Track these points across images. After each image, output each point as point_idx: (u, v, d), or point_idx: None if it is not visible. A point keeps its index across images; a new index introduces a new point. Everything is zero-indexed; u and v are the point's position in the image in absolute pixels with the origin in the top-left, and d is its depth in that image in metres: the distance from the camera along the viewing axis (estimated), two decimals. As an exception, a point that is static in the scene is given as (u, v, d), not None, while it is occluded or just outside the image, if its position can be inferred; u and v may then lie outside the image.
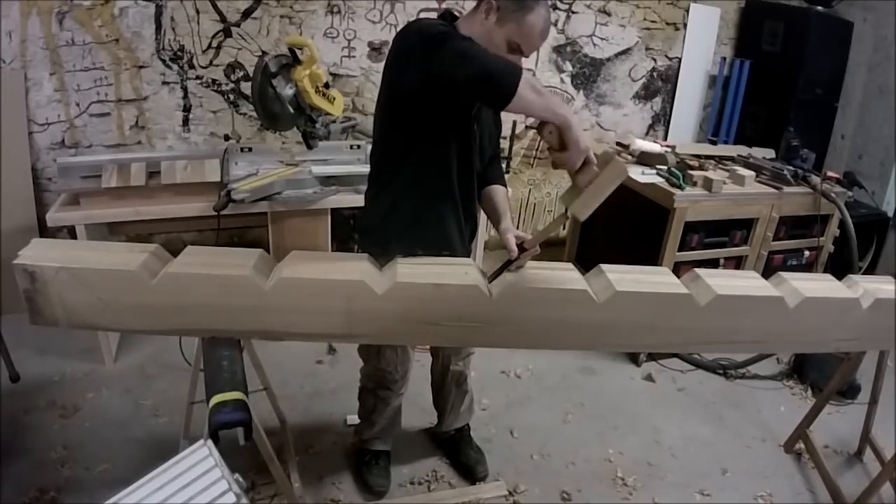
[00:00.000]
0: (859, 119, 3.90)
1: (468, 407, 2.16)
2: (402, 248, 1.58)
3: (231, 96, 3.10)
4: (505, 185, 1.82)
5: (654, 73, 3.88)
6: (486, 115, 1.69)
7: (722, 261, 2.85)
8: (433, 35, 1.38)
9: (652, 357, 2.90)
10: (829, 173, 2.91)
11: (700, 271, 1.57)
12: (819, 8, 3.64)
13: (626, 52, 3.75)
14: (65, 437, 2.15)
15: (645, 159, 2.88)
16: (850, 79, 3.84)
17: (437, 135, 1.55)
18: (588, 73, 3.73)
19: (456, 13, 1.63)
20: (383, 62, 1.60)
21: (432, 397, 2.17)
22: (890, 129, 3.64)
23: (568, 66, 3.67)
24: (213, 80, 3.05)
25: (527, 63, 3.56)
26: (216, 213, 2.36)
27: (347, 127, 2.96)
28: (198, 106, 3.07)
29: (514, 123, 3.58)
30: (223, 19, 2.96)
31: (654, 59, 3.84)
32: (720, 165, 3.01)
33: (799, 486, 2.23)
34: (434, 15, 3.50)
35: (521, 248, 1.46)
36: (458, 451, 2.18)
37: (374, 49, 3.21)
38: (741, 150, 3.29)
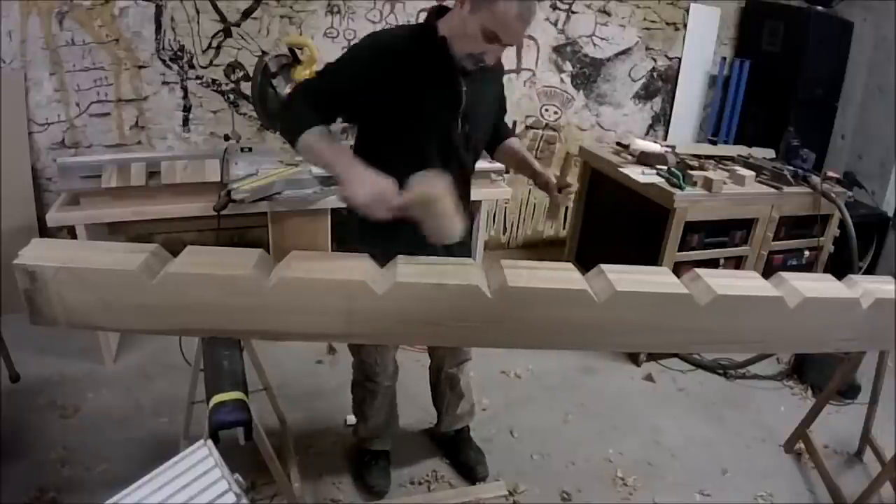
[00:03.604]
0: (859, 119, 3.90)
1: (468, 410, 2.15)
2: (378, 251, 1.52)
3: (231, 96, 3.10)
4: (515, 135, 1.93)
5: (654, 73, 3.88)
6: (481, 106, 1.63)
7: (722, 261, 2.85)
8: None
9: (652, 357, 2.90)
10: (829, 173, 2.91)
11: (700, 271, 1.57)
12: (819, 8, 3.64)
13: (626, 52, 3.75)
14: (65, 437, 2.15)
15: (645, 159, 2.88)
16: (850, 79, 3.83)
17: (411, 139, 1.55)
18: (588, 73, 3.73)
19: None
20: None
21: (431, 397, 2.17)
22: (890, 129, 3.64)
23: (568, 66, 3.67)
24: (213, 80, 3.05)
25: (527, 64, 3.59)
26: (216, 213, 2.36)
27: (347, 127, 2.96)
28: (198, 106, 3.07)
29: (514, 123, 3.58)
30: (223, 19, 2.96)
31: (654, 59, 3.84)
32: (720, 165, 3.00)
33: (799, 486, 2.23)
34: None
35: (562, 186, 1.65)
36: (458, 451, 2.17)
37: (374, 49, 3.21)
38: (741, 150, 3.29)
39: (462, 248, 1.73)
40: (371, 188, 1.34)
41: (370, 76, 1.46)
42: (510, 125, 3.42)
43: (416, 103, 1.51)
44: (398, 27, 1.64)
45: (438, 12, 1.53)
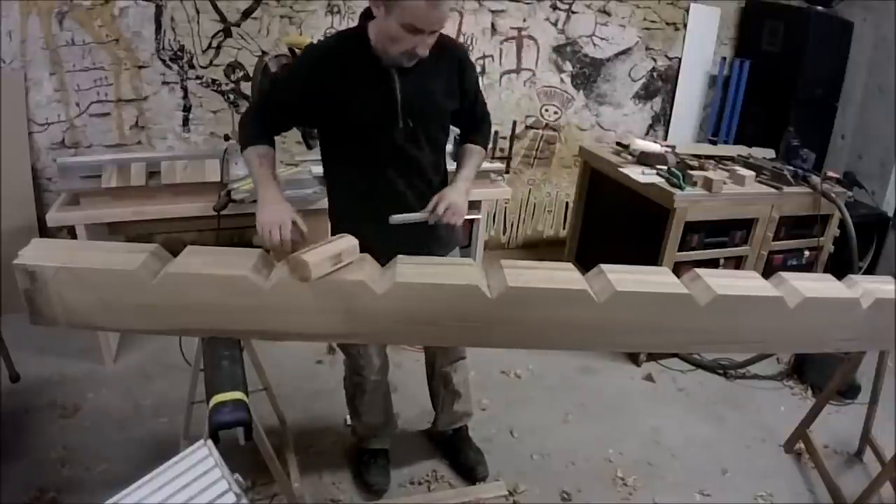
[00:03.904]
0: (859, 119, 3.90)
1: (464, 410, 2.14)
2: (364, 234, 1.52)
3: (231, 96, 3.10)
4: (475, 142, 1.82)
5: (654, 73, 3.88)
6: (427, 98, 1.61)
7: (722, 261, 2.85)
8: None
9: (652, 357, 2.90)
10: (829, 173, 2.91)
11: (700, 271, 1.57)
12: (819, 8, 3.64)
13: (626, 52, 3.75)
14: (65, 437, 2.15)
15: (645, 159, 2.88)
16: (850, 79, 3.83)
17: (356, 138, 1.61)
18: (588, 73, 3.73)
19: None
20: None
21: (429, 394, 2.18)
22: (890, 129, 3.64)
23: (568, 66, 3.67)
24: (213, 80, 3.05)
25: (527, 64, 3.58)
26: (216, 213, 2.36)
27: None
28: (198, 106, 3.07)
29: (515, 123, 3.59)
30: (223, 19, 2.96)
31: (654, 59, 3.84)
32: (720, 165, 3.00)
33: (799, 486, 2.23)
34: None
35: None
36: (457, 451, 2.17)
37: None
38: (741, 150, 3.29)
39: (442, 248, 1.77)
40: (269, 219, 1.48)
41: (309, 83, 1.56)
42: (512, 127, 3.47)
43: (352, 104, 1.56)
44: (336, 33, 1.71)
45: (368, 13, 1.55)
